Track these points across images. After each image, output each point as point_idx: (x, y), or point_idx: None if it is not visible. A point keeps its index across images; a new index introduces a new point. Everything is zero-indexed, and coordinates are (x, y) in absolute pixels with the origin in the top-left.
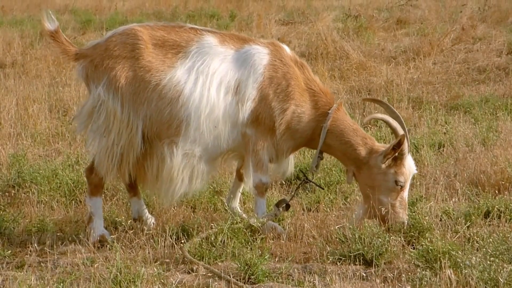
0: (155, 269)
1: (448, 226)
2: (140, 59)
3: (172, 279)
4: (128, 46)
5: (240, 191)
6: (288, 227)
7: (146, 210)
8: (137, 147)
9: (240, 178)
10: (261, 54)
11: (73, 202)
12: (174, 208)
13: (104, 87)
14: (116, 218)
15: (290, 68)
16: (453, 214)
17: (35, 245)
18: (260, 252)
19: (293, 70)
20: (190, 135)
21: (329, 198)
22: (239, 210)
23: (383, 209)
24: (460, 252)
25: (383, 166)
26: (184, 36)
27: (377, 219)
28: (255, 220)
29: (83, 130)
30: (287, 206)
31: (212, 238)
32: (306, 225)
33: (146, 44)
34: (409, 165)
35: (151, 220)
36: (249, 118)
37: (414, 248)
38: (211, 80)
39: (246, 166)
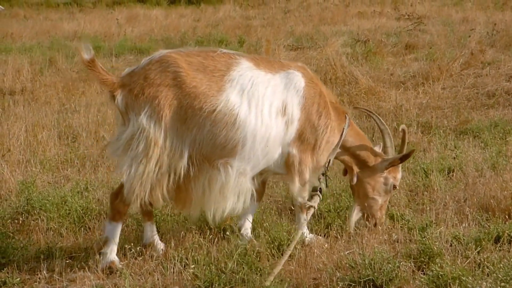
0: None
1: (458, 251)
2: (184, 87)
3: None
4: (169, 74)
5: (253, 212)
6: (298, 253)
7: (157, 236)
8: (180, 171)
9: (258, 198)
10: (298, 77)
11: (82, 229)
12: (183, 233)
13: (146, 116)
14: (126, 245)
15: (321, 87)
16: (463, 239)
17: (44, 272)
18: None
19: (322, 88)
20: (244, 155)
21: (339, 223)
22: (250, 235)
23: (374, 207)
24: (470, 278)
25: (385, 171)
26: (222, 61)
27: (365, 217)
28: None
29: (118, 157)
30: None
31: (222, 265)
32: (315, 250)
33: (186, 71)
34: (400, 173)
35: (160, 246)
36: (295, 137)
37: (424, 274)
38: (262, 102)
39: (290, 185)
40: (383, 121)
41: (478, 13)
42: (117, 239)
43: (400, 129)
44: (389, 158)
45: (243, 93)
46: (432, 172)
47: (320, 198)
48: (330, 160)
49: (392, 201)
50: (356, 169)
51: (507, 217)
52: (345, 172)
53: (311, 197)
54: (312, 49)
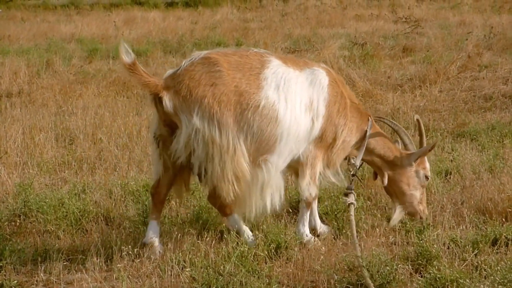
0: None
1: (455, 254)
2: (228, 85)
3: None
4: (214, 74)
5: None
6: (296, 255)
7: (158, 238)
8: (245, 167)
9: None
10: (322, 75)
11: (79, 231)
12: (180, 236)
13: (198, 117)
14: (123, 247)
15: (342, 87)
16: (461, 242)
17: (41, 274)
18: (267, 281)
19: (344, 88)
20: (280, 150)
21: (337, 225)
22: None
23: (415, 202)
24: (468, 280)
25: (414, 165)
26: (255, 59)
27: (410, 214)
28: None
29: (182, 159)
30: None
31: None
32: (313, 252)
33: (227, 71)
34: (428, 163)
35: (158, 248)
36: (318, 133)
37: (422, 276)
38: (295, 98)
39: (300, 178)
40: (395, 122)
41: (475, 16)
42: (243, 225)
43: (414, 119)
44: (415, 152)
45: (278, 89)
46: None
47: (355, 195)
48: (358, 160)
49: (389, 203)
50: (386, 170)
51: (504, 219)
52: (375, 176)
53: (346, 195)
54: (309, 51)
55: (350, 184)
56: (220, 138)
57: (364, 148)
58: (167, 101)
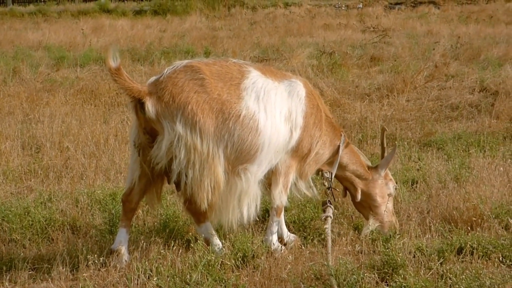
0: None
1: (421, 262)
2: (211, 93)
3: None
4: (197, 81)
5: None
6: (263, 264)
7: (126, 246)
8: (221, 177)
9: None
10: (300, 87)
11: (45, 240)
12: (147, 245)
13: (180, 124)
14: (89, 256)
15: (318, 99)
16: (427, 250)
17: (7, 283)
18: None
19: (319, 101)
20: (261, 160)
21: (304, 234)
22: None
23: (388, 214)
24: None
25: (383, 176)
26: (235, 70)
27: (383, 226)
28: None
29: (162, 166)
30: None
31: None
32: (280, 261)
33: (209, 79)
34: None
35: (125, 257)
36: (294, 144)
37: (387, 285)
38: (274, 109)
39: (273, 187)
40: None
41: (442, 26)
42: (213, 235)
43: (380, 129)
44: (381, 162)
45: (258, 100)
46: (396, 183)
47: (332, 209)
48: (332, 173)
49: (356, 212)
50: (358, 185)
51: (469, 228)
52: (344, 193)
53: (323, 211)
54: (278, 60)
55: (327, 197)
56: (201, 146)
57: (338, 163)
58: (150, 107)
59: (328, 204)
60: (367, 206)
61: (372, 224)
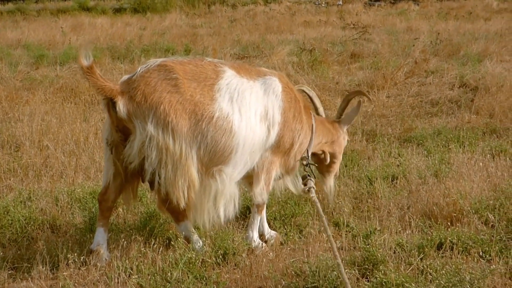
0: None
1: (401, 258)
2: (184, 94)
3: None
4: (170, 81)
5: None
6: (243, 261)
7: (106, 245)
8: (195, 176)
9: None
10: (275, 82)
11: (25, 239)
12: (127, 243)
13: (152, 124)
14: (69, 255)
15: (295, 92)
16: (407, 246)
17: None
18: (215, 287)
19: (296, 93)
20: (236, 161)
21: (284, 231)
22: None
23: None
24: (413, 284)
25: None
26: (210, 69)
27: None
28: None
29: (135, 165)
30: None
31: (167, 274)
32: (261, 258)
33: (183, 79)
34: None
35: (105, 255)
36: (274, 141)
37: (368, 281)
38: (249, 109)
39: (255, 183)
40: (309, 88)
41: (421, 22)
42: (193, 232)
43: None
44: (344, 118)
45: (232, 101)
46: (376, 179)
47: (313, 181)
48: (308, 151)
49: (336, 208)
50: (327, 149)
51: (449, 223)
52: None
53: (305, 184)
54: (258, 58)
55: (306, 172)
56: (173, 146)
57: (313, 141)
58: (121, 106)
59: (308, 177)
60: (330, 164)
61: (332, 184)
